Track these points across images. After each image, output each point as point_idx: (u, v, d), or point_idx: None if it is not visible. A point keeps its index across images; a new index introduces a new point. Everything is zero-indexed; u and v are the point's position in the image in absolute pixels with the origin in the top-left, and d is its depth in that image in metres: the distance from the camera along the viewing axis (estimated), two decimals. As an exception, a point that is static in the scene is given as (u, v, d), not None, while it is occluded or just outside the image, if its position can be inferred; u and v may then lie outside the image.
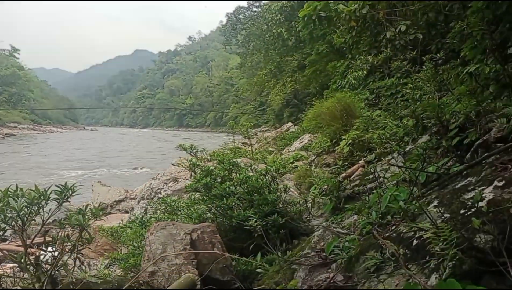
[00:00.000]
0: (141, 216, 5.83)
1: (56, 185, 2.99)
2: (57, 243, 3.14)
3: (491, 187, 2.22)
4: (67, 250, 3.34)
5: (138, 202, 10.58)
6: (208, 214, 4.91)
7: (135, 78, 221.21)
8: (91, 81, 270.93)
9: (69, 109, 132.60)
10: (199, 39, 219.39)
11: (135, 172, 28.11)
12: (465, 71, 5.04)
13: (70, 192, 3.06)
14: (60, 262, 3.23)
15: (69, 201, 3.21)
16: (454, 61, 7.86)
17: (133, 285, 2.50)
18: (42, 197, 2.95)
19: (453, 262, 1.85)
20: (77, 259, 3.74)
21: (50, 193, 2.94)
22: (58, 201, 3.02)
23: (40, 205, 3.01)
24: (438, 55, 8.02)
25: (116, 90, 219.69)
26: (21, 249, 3.18)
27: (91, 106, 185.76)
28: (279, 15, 32.53)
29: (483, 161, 2.84)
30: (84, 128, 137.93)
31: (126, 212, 12.11)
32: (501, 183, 2.19)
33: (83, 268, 6.42)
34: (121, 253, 5.79)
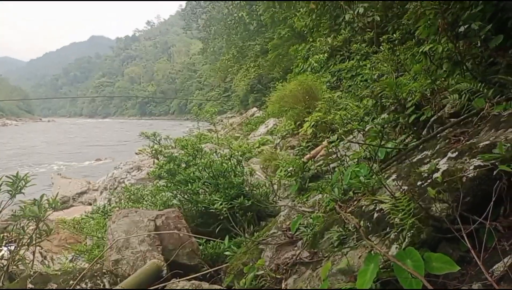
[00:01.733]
0: (103, 206, 5.65)
1: (6, 176, 2.82)
2: (12, 236, 2.98)
3: (445, 159, 2.31)
4: (24, 243, 3.18)
5: (101, 193, 10.27)
6: (174, 201, 4.84)
7: (93, 65, 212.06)
8: (45, 70, 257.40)
9: (23, 100, 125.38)
10: (158, 24, 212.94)
11: (97, 164, 27.20)
12: (420, 51, 5.19)
13: (23, 183, 2.90)
14: (18, 256, 3.08)
15: (23, 193, 3.04)
16: (410, 42, 8.11)
17: (95, 274, 2.42)
18: (-9, 190, 2.77)
19: (412, 231, 1.92)
20: (38, 253, 3.58)
21: (1, 184, 2.76)
22: (11, 192, 2.85)
23: (-9, 199, 2.83)
24: (395, 35, 8.24)
25: (73, 78, 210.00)
26: (-27, 246, 3.00)
27: (47, 96, 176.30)
28: (240, -2, 32.13)
29: (438, 135, 2.96)
30: (41, 119, 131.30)
31: (90, 204, 11.73)
32: (454, 154, 2.28)
33: (46, 263, 6.19)
34: (85, 245, 5.62)
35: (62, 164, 27.63)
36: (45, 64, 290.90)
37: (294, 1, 11.38)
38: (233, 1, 32.12)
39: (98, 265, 4.43)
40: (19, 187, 2.86)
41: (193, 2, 52.04)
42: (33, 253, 3.25)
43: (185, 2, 54.24)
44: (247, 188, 4.85)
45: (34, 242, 3.04)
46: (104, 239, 4.76)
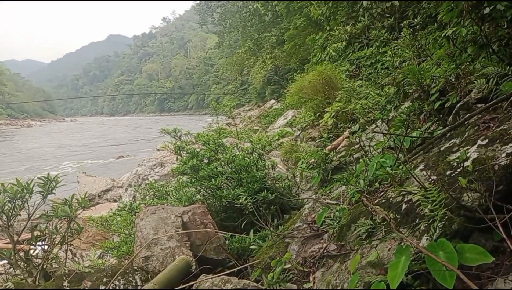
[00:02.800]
0: (129, 203, 5.77)
1: (38, 177, 2.91)
2: (46, 236, 3.09)
3: (475, 147, 2.25)
4: (57, 242, 3.29)
5: (126, 190, 10.48)
6: (198, 196, 4.90)
7: (111, 64, 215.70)
8: (66, 71, 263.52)
9: (46, 101, 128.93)
10: (174, 20, 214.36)
11: (120, 161, 27.77)
12: (442, 35, 5.05)
13: (54, 184, 2.99)
14: (51, 255, 3.19)
15: (54, 194, 3.14)
16: (431, 26, 7.89)
17: (127, 271, 2.49)
18: (25, 191, 2.87)
19: (443, 222, 1.89)
20: (69, 251, 3.70)
21: (33, 185, 2.86)
22: (42, 193, 2.94)
23: (24, 199, 2.94)
24: (415, 20, 8.01)
25: (93, 78, 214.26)
26: (10, 246, 3.12)
27: (68, 96, 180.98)
28: (254, -11, 31.88)
29: (466, 122, 2.87)
30: (64, 119, 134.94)
31: (115, 201, 12.00)
32: (484, 142, 2.22)
33: (76, 260, 6.38)
34: (113, 241, 5.76)
35: (86, 162, 28.34)
36: (66, 64, 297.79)
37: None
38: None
39: (126, 261, 4.55)
40: (50, 188, 2.95)
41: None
42: (66, 251, 3.35)
43: (200, -4, 54.20)
44: (269, 182, 4.86)
45: (66, 241, 3.13)
46: (132, 235, 4.88)
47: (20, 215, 3.08)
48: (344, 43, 12.36)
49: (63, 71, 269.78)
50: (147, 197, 5.80)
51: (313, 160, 5.63)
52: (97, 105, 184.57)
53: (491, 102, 2.81)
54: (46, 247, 3.25)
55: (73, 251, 7.05)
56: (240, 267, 3.05)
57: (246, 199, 3.53)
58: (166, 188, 5.62)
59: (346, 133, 6.56)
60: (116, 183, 13.47)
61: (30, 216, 2.93)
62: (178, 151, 5.47)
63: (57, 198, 4.78)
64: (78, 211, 3.37)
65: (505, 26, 4.04)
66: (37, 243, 3.33)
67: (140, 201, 6.30)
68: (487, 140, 2.21)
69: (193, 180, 4.81)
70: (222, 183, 4.61)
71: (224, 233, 3.56)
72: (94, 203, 12.21)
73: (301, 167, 5.84)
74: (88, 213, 7.84)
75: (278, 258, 2.75)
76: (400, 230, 2.14)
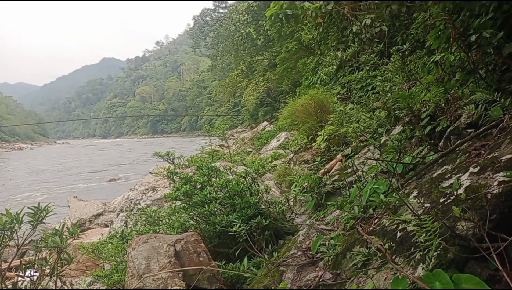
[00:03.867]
0: (121, 229, 5.67)
1: (28, 207, 2.86)
2: (35, 266, 3.01)
3: (467, 174, 2.27)
4: (46, 273, 3.21)
5: (117, 215, 10.33)
6: (191, 222, 4.84)
7: (104, 87, 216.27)
8: (58, 94, 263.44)
9: (38, 124, 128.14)
10: (167, 44, 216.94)
11: (111, 184, 27.47)
12: (431, 60, 5.16)
13: (45, 213, 2.94)
14: (40, 286, 3.10)
15: (44, 223, 3.08)
16: (420, 51, 8.09)
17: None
18: (14, 221, 2.81)
19: (438, 252, 1.88)
20: (58, 281, 3.60)
21: (23, 216, 2.80)
22: (32, 223, 2.88)
23: (13, 230, 2.87)
24: (404, 46, 8.22)
25: (86, 100, 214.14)
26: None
27: (61, 119, 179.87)
28: (246, 15, 32.57)
29: (457, 149, 2.91)
30: (55, 142, 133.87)
31: (106, 226, 11.81)
32: (476, 169, 2.24)
33: (65, 288, 6.21)
34: (103, 269, 5.63)
35: (76, 186, 27.97)
36: (59, 87, 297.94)
37: (301, 16, 11.48)
38: (242, 17, 32.52)
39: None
40: (40, 218, 2.89)
41: (201, 21, 52.94)
42: (55, 282, 3.26)
43: (193, 21, 55.10)
44: (263, 206, 4.83)
45: (56, 272, 3.05)
46: (123, 263, 4.77)
47: (9, 245, 3.00)
48: (334, 67, 12.60)
49: (56, 94, 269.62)
50: (139, 223, 5.72)
51: (306, 183, 5.62)
52: (90, 128, 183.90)
53: (481, 129, 2.85)
54: (35, 277, 3.16)
55: (62, 279, 6.85)
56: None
57: (240, 226, 3.50)
58: (158, 213, 5.55)
59: (339, 156, 6.59)
60: (108, 207, 13.29)
61: (19, 247, 2.86)
62: (171, 176, 5.43)
63: (48, 223, 4.70)
64: (68, 240, 3.31)
65: (492, 52, 4.15)
66: (26, 271, 3.24)
67: (131, 227, 6.21)
68: (478, 168, 2.23)
69: (186, 206, 4.77)
70: (216, 209, 4.57)
71: (218, 263, 3.50)
72: (85, 228, 12.00)
73: (294, 191, 5.83)
74: (80, 238, 7.69)
75: (273, 287, 2.70)
76: (396, 259, 2.12)
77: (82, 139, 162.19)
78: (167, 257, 3.12)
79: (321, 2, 8.99)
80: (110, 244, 5.61)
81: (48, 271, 3.06)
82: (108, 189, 25.07)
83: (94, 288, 5.20)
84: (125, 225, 8.16)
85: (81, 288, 5.67)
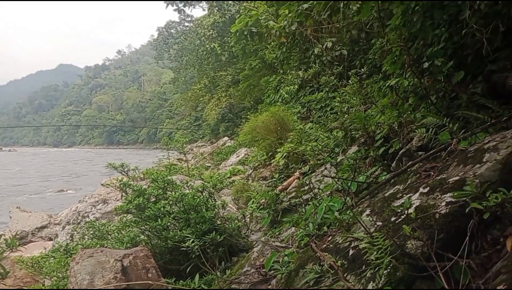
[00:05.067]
0: (66, 243, 5.31)
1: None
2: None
3: (417, 194, 2.34)
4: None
5: (63, 227, 9.73)
6: (142, 237, 4.63)
7: (60, 94, 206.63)
8: (9, 98, 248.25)
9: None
10: (129, 53, 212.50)
11: (59, 195, 26.00)
12: (386, 84, 5.39)
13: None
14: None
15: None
16: (376, 76, 8.45)
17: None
18: None
19: (388, 270, 1.90)
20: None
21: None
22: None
23: None
24: (362, 70, 8.56)
25: (38, 107, 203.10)
26: None
27: (9, 125, 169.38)
28: (211, 30, 32.67)
29: (408, 169, 3.01)
30: (1, 149, 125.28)
31: (50, 239, 11.07)
32: (425, 190, 2.32)
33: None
34: (43, 285, 5.23)
35: (22, 196, 26.21)
36: (9, 91, 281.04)
37: (265, 35, 11.67)
38: (207, 32, 32.60)
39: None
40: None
41: (165, 33, 52.48)
42: (-16, 299, 2.96)
43: (157, 32, 54.53)
44: (219, 222, 4.72)
45: (-14, 287, 2.77)
46: (65, 279, 4.45)
47: None
48: (296, 86, 12.86)
49: (6, 98, 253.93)
50: (86, 237, 5.39)
51: (264, 200, 5.60)
52: (40, 135, 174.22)
53: (431, 151, 2.97)
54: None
55: (-5, 296, 6.29)
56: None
57: (193, 241, 3.38)
58: (107, 227, 5.27)
59: (297, 174, 6.65)
60: (54, 219, 12.49)
61: None
62: (124, 188, 5.19)
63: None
64: (5, 253, 3.04)
65: (442, 80, 4.41)
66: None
67: (78, 241, 5.85)
68: (428, 188, 2.30)
69: (138, 220, 4.56)
70: (169, 223, 4.41)
71: (167, 276, 3.35)
72: (27, 241, 11.17)
73: (251, 207, 5.78)
74: (19, 252, 7.13)
75: (223, 306, 2.61)
76: (348, 276, 2.12)
77: (31, 147, 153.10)
78: (113, 273, 2.93)
79: (285, 22, 9.20)
80: (52, 259, 5.24)
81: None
82: (56, 200, 23.69)
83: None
84: (71, 238, 7.68)
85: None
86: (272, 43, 15.64)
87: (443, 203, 2.06)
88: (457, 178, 2.23)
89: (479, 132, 2.93)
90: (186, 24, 50.99)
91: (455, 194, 2.02)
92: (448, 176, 2.34)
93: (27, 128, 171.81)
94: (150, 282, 2.89)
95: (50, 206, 20.16)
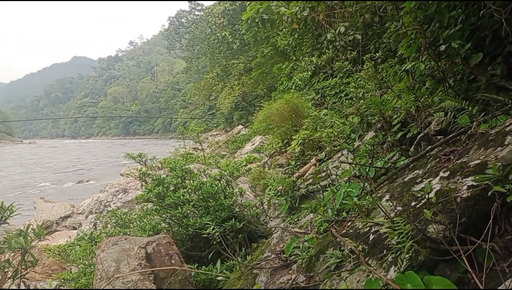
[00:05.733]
0: (90, 232, 5.48)
1: (-10, 208, 2.71)
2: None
3: (437, 178, 2.33)
4: (9, 275, 3.05)
5: (86, 217, 10.00)
6: (163, 225, 4.75)
7: (75, 86, 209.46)
8: (26, 91, 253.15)
9: (3, 122, 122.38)
10: (141, 44, 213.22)
11: (80, 186, 26.62)
12: (402, 68, 5.31)
13: (8, 213, 2.80)
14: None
15: (8, 223, 2.93)
16: (391, 60, 8.32)
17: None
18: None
19: (410, 254, 1.92)
20: (22, 284, 3.43)
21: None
22: (-5, 224, 2.74)
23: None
24: (377, 54, 8.43)
25: (55, 99, 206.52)
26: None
27: (28, 118, 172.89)
28: (222, 18, 32.52)
29: (427, 154, 2.99)
30: (22, 141, 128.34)
31: (74, 228, 11.41)
32: (446, 174, 2.31)
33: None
34: (71, 273, 5.43)
35: (44, 186, 26.94)
36: (26, 85, 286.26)
37: (277, 21, 11.55)
38: (218, 20, 32.46)
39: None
40: (4, 218, 2.75)
41: (176, 22, 52.43)
42: (18, 285, 3.11)
43: (168, 22, 54.48)
44: (237, 209, 4.80)
45: (19, 274, 2.91)
46: (92, 266, 4.61)
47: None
48: (309, 73, 12.75)
49: (23, 92, 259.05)
50: (109, 225, 5.55)
51: (281, 187, 5.64)
52: (58, 127, 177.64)
53: (450, 135, 2.95)
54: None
55: (26, 282, 6.56)
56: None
57: (213, 229, 3.45)
58: (129, 216, 5.41)
59: (313, 160, 6.66)
60: (76, 209, 12.84)
61: (-22, 250, 2.70)
62: (143, 178, 5.31)
63: (12, 225, 4.48)
64: (33, 242, 3.17)
65: (460, 62, 4.32)
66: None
67: (101, 229, 6.02)
68: (448, 172, 2.30)
69: (158, 208, 4.66)
70: (189, 211, 4.50)
71: (190, 266, 3.44)
72: (52, 231, 11.54)
73: (269, 194, 5.83)
74: (45, 241, 7.39)
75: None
76: (369, 261, 2.15)
77: (50, 139, 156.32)
78: (138, 260, 3.03)
79: (297, 8, 9.10)
80: (78, 247, 5.41)
81: (11, 273, 2.91)
82: (77, 190, 24.29)
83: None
84: (94, 227, 7.91)
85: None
86: (284, 29, 15.49)
87: (465, 187, 2.05)
88: (478, 161, 2.21)
89: (499, 115, 2.88)
90: (197, 13, 50.85)
91: (476, 177, 2.02)
92: (469, 159, 2.33)
93: (45, 121, 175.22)
94: (174, 267, 2.98)
95: (71, 197, 20.69)
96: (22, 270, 3.07)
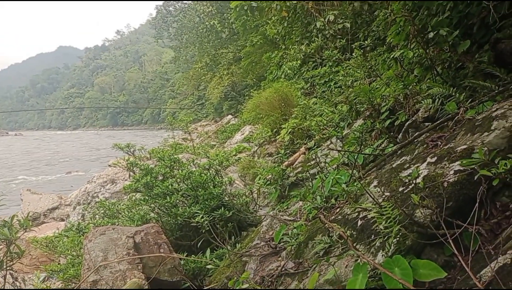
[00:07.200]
0: (78, 222, 5.42)
1: (-28, 199, 2.64)
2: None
3: (424, 164, 2.34)
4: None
5: (74, 208, 9.89)
6: (152, 214, 4.72)
7: (61, 76, 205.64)
8: (11, 82, 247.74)
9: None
10: (128, 33, 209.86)
11: (68, 177, 26.32)
12: (391, 56, 5.31)
13: (-9, 205, 2.73)
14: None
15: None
16: (380, 48, 8.32)
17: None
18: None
19: (397, 238, 1.93)
20: (9, 275, 3.38)
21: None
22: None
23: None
24: (366, 42, 8.42)
25: (41, 90, 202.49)
26: None
27: (13, 109, 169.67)
28: (210, 7, 32.10)
29: (415, 140, 3.01)
30: (7, 133, 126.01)
31: (62, 220, 11.29)
32: (433, 159, 2.32)
33: (17, 284, 5.89)
34: (59, 264, 5.38)
35: (30, 179, 26.56)
36: (11, 76, 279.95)
37: (266, 9, 11.46)
38: (206, 8, 32.05)
39: (74, 285, 4.25)
40: (-13, 209, 2.69)
41: (164, 11, 51.61)
42: (4, 277, 3.06)
43: (155, 11, 53.60)
44: (226, 198, 4.79)
45: (5, 266, 2.86)
46: (80, 257, 4.57)
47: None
48: (299, 62, 12.70)
49: (8, 82, 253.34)
50: (97, 216, 5.49)
51: (270, 176, 5.64)
52: (45, 119, 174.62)
53: (438, 121, 2.96)
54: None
55: (14, 275, 6.50)
56: (196, 289, 2.94)
57: (202, 217, 3.44)
58: (117, 206, 5.36)
59: (302, 149, 6.66)
60: (64, 201, 12.69)
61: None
62: (131, 168, 5.25)
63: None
64: (19, 233, 3.11)
65: (448, 50, 4.34)
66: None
67: (89, 220, 5.97)
68: (435, 158, 2.31)
69: (147, 198, 4.63)
70: (178, 201, 4.48)
71: (178, 251, 3.43)
72: (39, 223, 11.39)
73: (258, 183, 5.83)
74: (32, 233, 7.30)
75: (235, 278, 2.68)
76: (357, 246, 2.16)
77: (36, 131, 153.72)
78: (126, 249, 3.01)
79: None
80: (65, 238, 5.35)
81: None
82: (64, 182, 24.01)
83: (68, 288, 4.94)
84: (82, 218, 7.83)
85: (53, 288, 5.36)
86: (273, 18, 15.36)
87: (451, 172, 2.07)
88: (465, 146, 2.23)
89: (486, 101, 2.90)
90: (185, 1, 50.05)
91: (463, 162, 2.03)
92: (456, 145, 2.35)
93: (31, 112, 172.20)
94: (162, 255, 2.97)
95: (59, 188, 20.45)
96: (8, 261, 3.02)
